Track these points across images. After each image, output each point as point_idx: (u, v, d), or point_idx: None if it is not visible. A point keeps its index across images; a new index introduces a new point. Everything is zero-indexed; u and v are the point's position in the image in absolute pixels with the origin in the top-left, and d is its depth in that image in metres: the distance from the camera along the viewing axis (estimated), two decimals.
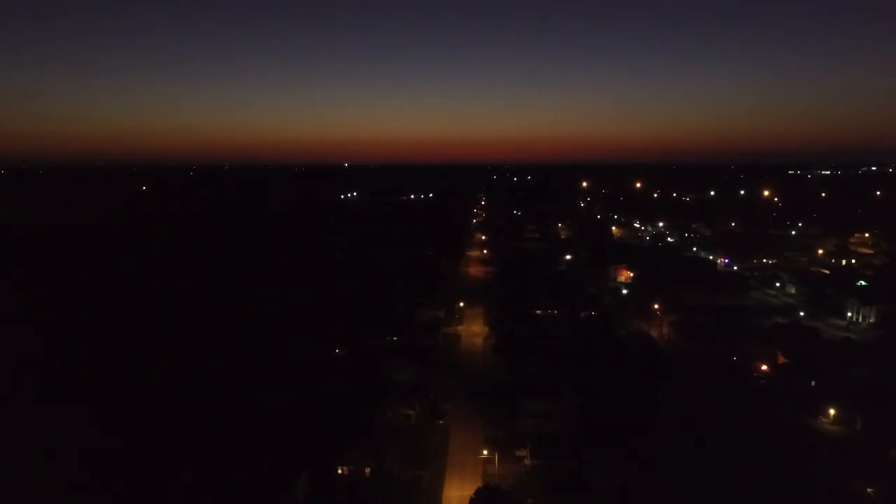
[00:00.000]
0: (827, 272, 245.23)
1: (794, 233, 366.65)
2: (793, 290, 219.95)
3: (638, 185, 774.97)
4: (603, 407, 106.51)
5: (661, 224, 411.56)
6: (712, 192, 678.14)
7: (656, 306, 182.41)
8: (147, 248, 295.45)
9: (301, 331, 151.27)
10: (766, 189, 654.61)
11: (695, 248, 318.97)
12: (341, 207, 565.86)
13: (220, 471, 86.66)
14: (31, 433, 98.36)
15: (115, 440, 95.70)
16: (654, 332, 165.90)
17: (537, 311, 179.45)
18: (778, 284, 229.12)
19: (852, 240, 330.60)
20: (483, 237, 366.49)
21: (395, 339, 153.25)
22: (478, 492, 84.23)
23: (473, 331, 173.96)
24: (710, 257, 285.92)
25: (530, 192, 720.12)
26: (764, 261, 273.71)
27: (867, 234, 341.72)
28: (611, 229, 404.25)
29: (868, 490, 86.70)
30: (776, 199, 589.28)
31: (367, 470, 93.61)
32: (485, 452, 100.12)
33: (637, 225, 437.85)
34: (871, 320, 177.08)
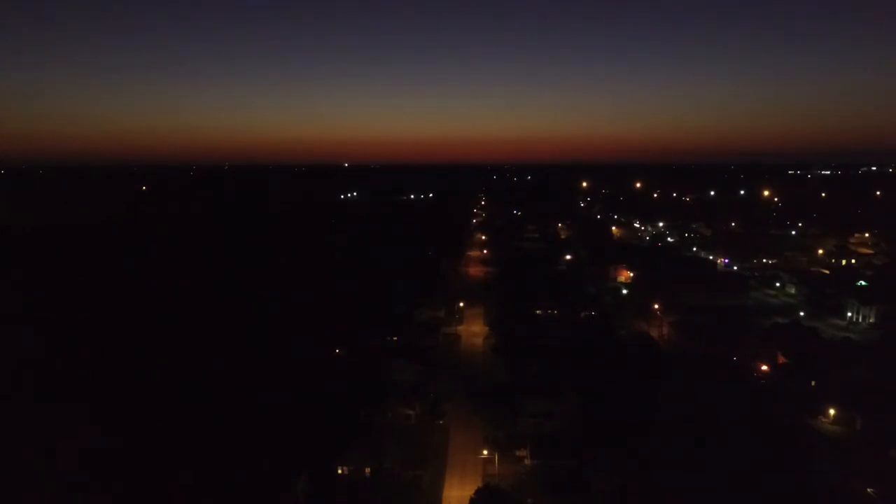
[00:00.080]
0: (827, 272, 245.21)
1: (794, 233, 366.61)
2: (793, 290, 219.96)
3: (638, 185, 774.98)
4: (603, 407, 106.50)
5: (661, 224, 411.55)
6: (712, 192, 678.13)
7: (656, 306, 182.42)
8: (147, 248, 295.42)
9: (301, 331, 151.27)
10: (766, 189, 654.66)
11: (695, 248, 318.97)
12: (341, 207, 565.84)
13: (220, 471, 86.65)
14: (31, 433, 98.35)
15: (115, 440, 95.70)
16: (654, 332, 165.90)
17: (537, 311, 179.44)
18: (778, 284, 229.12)
19: (852, 240, 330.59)
20: (483, 237, 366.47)
21: (395, 339, 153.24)
22: (478, 492, 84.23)
23: (473, 331, 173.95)
24: (710, 257, 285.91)
25: (530, 192, 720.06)
26: (764, 261, 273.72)
27: (867, 234, 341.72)
28: (611, 229, 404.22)
29: (868, 490, 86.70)
30: (776, 199, 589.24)
31: (367, 470, 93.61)
32: (485, 452, 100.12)
33: (637, 225, 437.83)
34: (871, 320, 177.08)
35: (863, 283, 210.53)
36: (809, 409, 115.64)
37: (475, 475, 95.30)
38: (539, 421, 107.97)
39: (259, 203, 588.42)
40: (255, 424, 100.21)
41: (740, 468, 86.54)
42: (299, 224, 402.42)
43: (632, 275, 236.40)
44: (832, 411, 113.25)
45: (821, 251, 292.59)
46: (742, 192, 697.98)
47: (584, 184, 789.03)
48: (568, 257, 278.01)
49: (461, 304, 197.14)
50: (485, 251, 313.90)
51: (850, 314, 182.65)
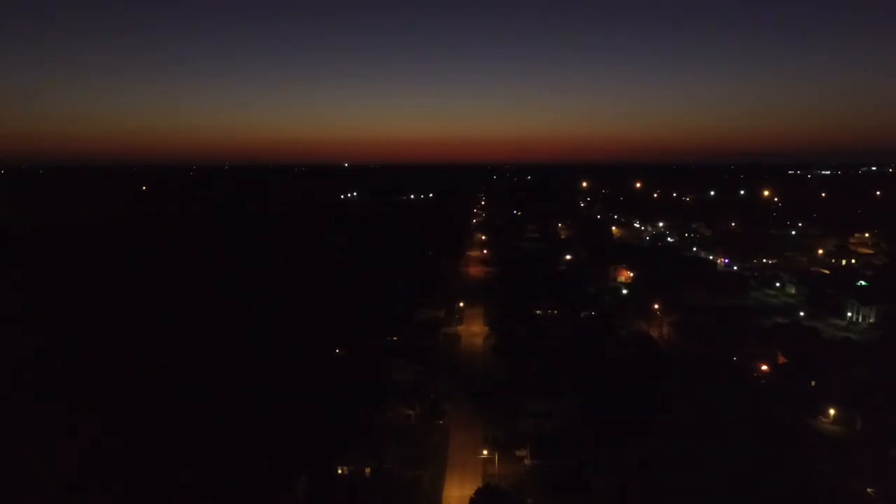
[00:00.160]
0: (827, 272, 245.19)
1: (794, 233, 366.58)
2: (793, 290, 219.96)
3: (638, 185, 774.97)
4: (603, 407, 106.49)
5: (661, 224, 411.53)
6: (712, 192, 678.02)
7: (656, 306, 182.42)
8: (147, 248, 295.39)
9: (301, 331, 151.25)
10: (766, 189, 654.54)
11: (695, 248, 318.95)
12: (341, 207, 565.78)
13: (220, 471, 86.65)
14: (31, 433, 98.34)
15: (115, 440, 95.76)
16: (654, 332, 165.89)
17: (537, 311, 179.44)
18: (778, 284, 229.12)
19: (852, 240, 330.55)
20: (483, 237, 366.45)
21: (395, 339, 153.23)
22: (478, 492, 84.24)
23: (473, 331, 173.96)
24: (710, 257, 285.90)
25: (530, 192, 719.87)
26: (764, 261, 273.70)
27: (867, 234, 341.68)
28: (611, 229, 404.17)
29: (868, 490, 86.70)
30: (776, 199, 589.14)
31: (367, 470, 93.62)
32: (485, 452, 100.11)
33: (637, 225, 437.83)
34: (871, 320, 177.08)
35: (863, 283, 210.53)
36: (809, 409, 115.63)
37: (475, 475, 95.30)
38: (539, 421, 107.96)
39: (259, 203, 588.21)
40: (255, 424, 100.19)
41: (740, 468, 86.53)
42: (299, 224, 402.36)
43: (632, 275, 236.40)
44: (832, 411, 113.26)
45: (821, 251, 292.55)
46: (742, 192, 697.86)
47: (584, 184, 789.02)
48: (568, 257, 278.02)
49: (461, 304, 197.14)
50: (485, 251, 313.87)
51: (850, 314, 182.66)
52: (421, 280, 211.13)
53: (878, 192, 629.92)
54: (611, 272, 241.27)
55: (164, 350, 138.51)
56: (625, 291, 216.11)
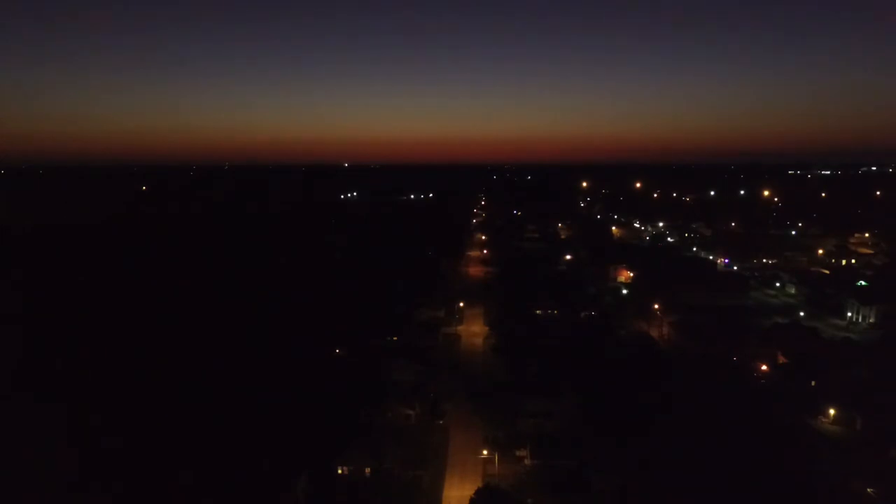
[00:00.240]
0: (827, 272, 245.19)
1: (794, 233, 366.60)
2: (793, 290, 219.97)
3: (638, 185, 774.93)
4: (603, 407, 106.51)
5: (661, 224, 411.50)
6: (712, 192, 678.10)
7: (656, 306, 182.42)
8: (147, 248, 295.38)
9: (301, 331, 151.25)
10: (766, 189, 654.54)
11: (695, 248, 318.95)
12: (341, 207, 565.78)
13: (220, 471, 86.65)
14: (31, 433, 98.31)
15: (115, 440, 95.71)
16: (654, 332, 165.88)
17: (537, 311, 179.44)
18: (778, 284, 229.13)
19: (852, 240, 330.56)
20: (483, 237, 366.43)
21: (395, 339, 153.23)
22: (478, 492, 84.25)
23: (473, 331, 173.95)
24: (710, 257, 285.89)
25: (530, 192, 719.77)
26: (764, 261, 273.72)
27: (867, 234, 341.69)
28: (611, 229, 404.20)
29: (868, 490, 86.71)
30: (776, 199, 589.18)
31: (367, 470, 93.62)
32: (485, 452, 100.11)
33: (637, 225, 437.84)
34: (871, 320, 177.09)
35: (863, 283, 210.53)
36: (809, 409, 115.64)
37: (475, 475, 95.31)
38: (539, 421, 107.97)
39: (259, 203, 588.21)
40: (255, 424, 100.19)
41: (740, 468, 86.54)
42: (299, 224, 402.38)
43: (632, 275, 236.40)
44: (832, 411, 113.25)
45: (821, 251, 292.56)
46: (742, 192, 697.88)
47: (584, 184, 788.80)
48: (568, 257, 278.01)
49: (461, 304, 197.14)
50: (485, 251, 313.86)
51: (850, 314, 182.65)
52: (421, 280, 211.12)
53: (878, 192, 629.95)
54: (611, 272, 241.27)
55: (164, 350, 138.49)
56: (625, 291, 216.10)
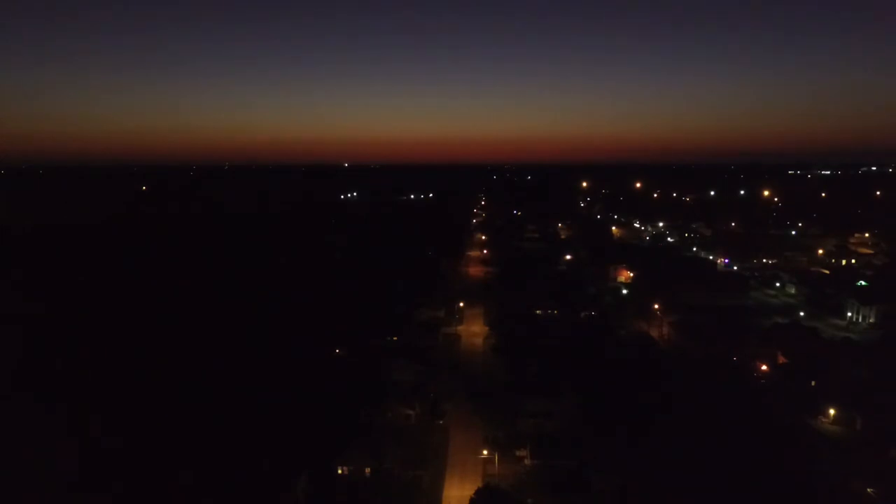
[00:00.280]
0: (827, 272, 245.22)
1: (794, 233, 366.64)
2: (793, 290, 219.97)
3: (638, 185, 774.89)
4: (603, 407, 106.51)
5: (661, 224, 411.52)
6: (712, 192, 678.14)
7: (656, 306, 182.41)
8: (147, 248, 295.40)
9: (301, 331, 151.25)
10: (766, 189, 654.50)
11: (695, 248, 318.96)
12: (341, 207, 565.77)
13: (220, 471, 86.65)
14: (31, 433, 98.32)
15: (115, 440, 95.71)
16: (654, 332, 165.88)
17: (537, 311, 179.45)
18: (778, 284, 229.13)
19: (852, 240, 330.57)
20: (483, 237, 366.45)
21: (395, 339, 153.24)
22: (478, 492, 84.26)
23: (473, 331, 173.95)
24: (710, 257, 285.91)
25: (530, 192, 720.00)
26: (764, 261, 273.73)
27: (867, 234, 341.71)
28: (611, 229, 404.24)
29: (868, 490, 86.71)
30: (776, 199, 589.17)
31: (367, 470, 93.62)
32: (485, 452, 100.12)
33: (637, 225, 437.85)
34: (871, 320, 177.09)
35: (863, 283, 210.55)
36: (809, 409, 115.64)
37: (475, 475, 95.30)
38: (539, 421, 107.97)
39: (259, 203, 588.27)
40: (255, 424, 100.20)
41: (740, 468, 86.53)
42: (299, 224, 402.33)
43: (632, 275, 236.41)
44: (832, 411, 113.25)
45: (821, 251, 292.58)
46: (742, 192, 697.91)
47: (584, 184, 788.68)
48: (568, 257, 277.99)
49: (461, 304, 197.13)
50: (485, 251, 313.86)
51: (850, 314, 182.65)
52: (421, 280, 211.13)
53: (878, 192, 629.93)
54: (611, 272, 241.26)
55: (165, 350, 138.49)
56: (625, 291, 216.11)
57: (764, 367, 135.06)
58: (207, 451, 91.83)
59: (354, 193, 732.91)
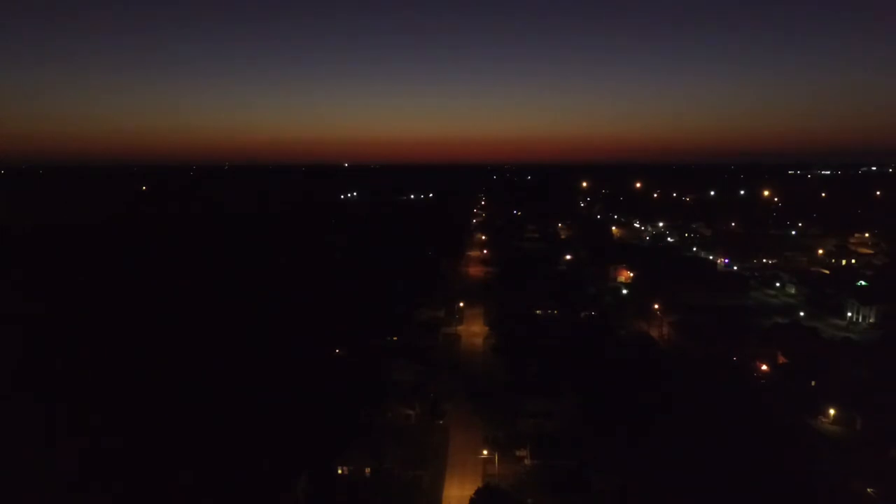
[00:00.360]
0: (827, 272, 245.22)
1: (794, 233, 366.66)
2: (793, 290, 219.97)
3: (638, 185, 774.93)
4: (603, 407, 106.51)
5: (661, 224, 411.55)
6: (712, 192, 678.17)
7: (656, 306, 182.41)
8: (147, 248, 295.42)
9: (301, 331, 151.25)
10: (766, 189, 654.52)
11: (695, 248, 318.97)
12: (341, 207, 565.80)
13: (220, 471, 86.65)
14: (31, 433, 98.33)
15: (115, 440, 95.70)
16: (654, 332, 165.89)
17: (537, 311, 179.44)
18: (778, 284, 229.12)
19: (852, 240, 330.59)
20: (483, 237, 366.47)
21: (395, 339, 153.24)
22: (478, 492, 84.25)
23: (473, 331, 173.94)
24: (710, 257, 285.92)
25: (530, 192, 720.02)
26: (764, 261, 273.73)
27: (867, 234, 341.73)
28: (611, 229, 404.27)
29: (868, 490, 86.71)
30: (776, 199, 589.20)
31: (367, 470, 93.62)
32: (485, 452, 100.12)
33: (637, 225, 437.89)
34: (871, 320, 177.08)
35: (863, 283, 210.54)
36: (809, 409, 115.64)
37: (475, 475, 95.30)
38: (539, 421, 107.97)
39: (259, 203, 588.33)
40: (255, 424, 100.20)
41: (740, 468, 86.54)
42: (299, 224, 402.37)
43: (632, 275, 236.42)
44: (832, 411, 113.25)
45: (821, 251, 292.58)
46: (742, 192, 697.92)
47: (584, 184, 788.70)
48: (568, 257, 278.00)
49: (461, 304, 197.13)
50: (485, 251, 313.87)
51: (850, 314, 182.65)
52: (421, 280, 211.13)
53: (878, 192, 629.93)
54: (611, 272, 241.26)
55: (164, 350, 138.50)
56: (625, 291, 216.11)
57: (764, 367, 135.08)
58: (207, 451, 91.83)
59: (354, 193, 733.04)
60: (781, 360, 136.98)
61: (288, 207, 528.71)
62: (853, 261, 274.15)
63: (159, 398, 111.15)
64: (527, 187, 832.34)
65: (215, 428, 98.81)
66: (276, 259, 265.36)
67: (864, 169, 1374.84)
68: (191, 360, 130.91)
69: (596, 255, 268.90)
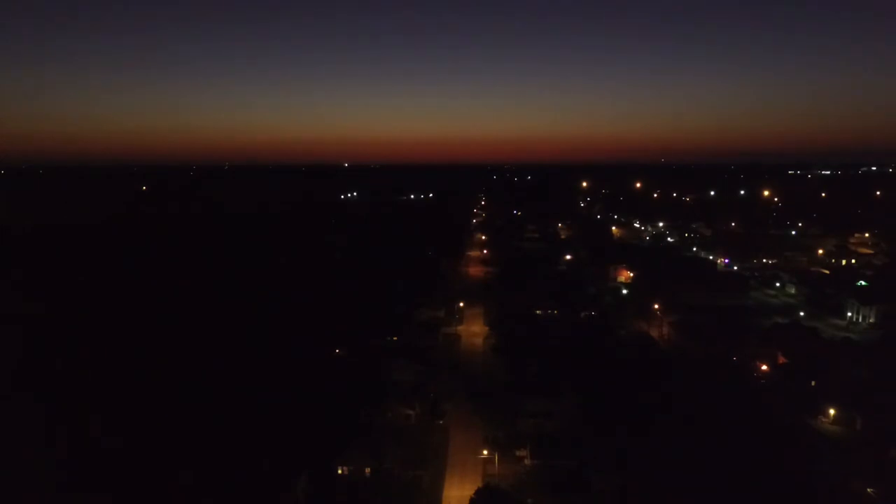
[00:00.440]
0: (827, 272, 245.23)
1: (794, 233, 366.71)
2: (793, 290, 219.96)
3: (638, 185, 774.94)
4: (603, 407, 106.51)
5: (661, 224, 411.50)
6: (712, 192, 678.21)
7: (656, 306, 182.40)
8: (147, 248, 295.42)
9: (301, 331, 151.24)
10: (766, 189, 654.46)
11: (695, 248, 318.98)
12: (341, 207, 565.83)
13: (220, 471, 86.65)
14: (31, 433, 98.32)
15: (115, 440, 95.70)
16: (654, 332, 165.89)
17: (537, 311, 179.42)
18: (778, 284, 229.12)
19: (852, 240, 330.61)
20: (483, 237, 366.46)
21: (395, 339, 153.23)
22: (478, 492, 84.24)
23: (473, 331, 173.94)
24: (710, 257, 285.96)
25: (530, 192, 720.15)
26: (764, 261, 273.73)
27: (867, 234, 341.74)
28: (611, 229, 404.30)
29: (868, 490, 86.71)
30: (776, 199, 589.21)
31: (367, 470, 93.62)
32: (485, 452, 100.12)
33: (637, 225, 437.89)
34: (871, 320, 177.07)
35: (863, 283, 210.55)
36: (809, 409, 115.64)
37: (475, 475, 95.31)
38: (539, 421, 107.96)
39: (259, 203, 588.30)
40: (255, 424, 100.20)
41: (740, 468, 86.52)
42: (299, 224, 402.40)
43: (632, 275, 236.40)
44: (832, 411, 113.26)
45: (821, 251, 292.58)
46: (742, 192, 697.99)
47: (584, 184, 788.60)
48: (568, 257, 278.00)
49: (461, 304, 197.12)
50: (485, 251, 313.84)
51: (850, 314, 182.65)
52: (421, 280, 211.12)
53: (878, 192, 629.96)
54: (611, 272, 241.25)
55: (164, 350, 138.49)
56: (625, 291, 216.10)
57: (764, 367, 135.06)
58: (207, 451, 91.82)
59: (354, 193, 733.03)
60: (781, 360, 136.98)
61: (288, 207, 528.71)
62: (853, 261, 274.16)
63: (159, 398, 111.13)
64: (527, 187, 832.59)
65: (215, 428, 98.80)
66: (276, 259, 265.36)
67: (864, 169, 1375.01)
68: (191, 360, 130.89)
69: (596, 255, 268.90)
